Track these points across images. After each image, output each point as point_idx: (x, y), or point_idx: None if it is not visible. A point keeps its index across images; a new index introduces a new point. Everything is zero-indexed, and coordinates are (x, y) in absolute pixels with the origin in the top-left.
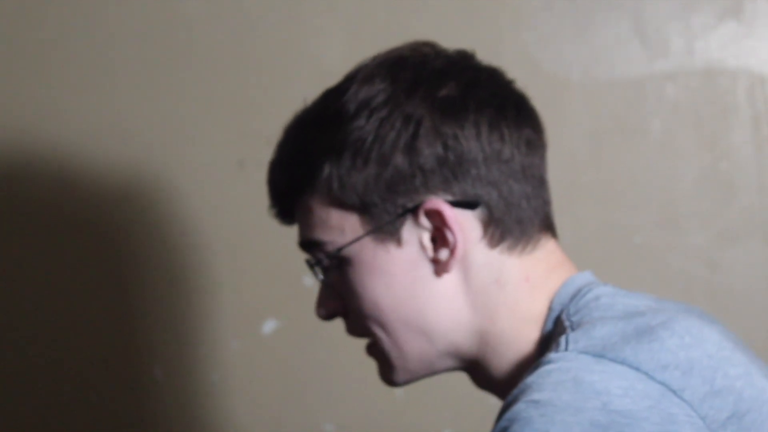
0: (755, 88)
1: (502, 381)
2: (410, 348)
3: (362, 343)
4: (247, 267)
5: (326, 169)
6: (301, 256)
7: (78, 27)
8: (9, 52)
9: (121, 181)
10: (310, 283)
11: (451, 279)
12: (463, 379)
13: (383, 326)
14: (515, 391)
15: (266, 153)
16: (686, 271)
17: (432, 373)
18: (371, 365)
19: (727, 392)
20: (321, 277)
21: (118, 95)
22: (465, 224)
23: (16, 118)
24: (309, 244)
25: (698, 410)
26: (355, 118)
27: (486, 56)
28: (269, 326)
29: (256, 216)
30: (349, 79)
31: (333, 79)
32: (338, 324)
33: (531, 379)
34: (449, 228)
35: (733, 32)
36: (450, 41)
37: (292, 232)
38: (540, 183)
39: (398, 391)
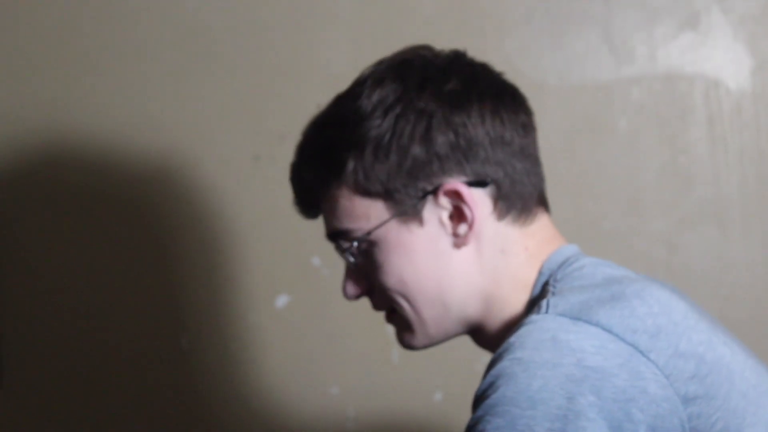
0: (710, 91)
1: (495, 339)
2: (429, 315)
3: (365, 317)
4: (263, 249)
5: (351, 164)
6: (310, 239)
7: (121, 41)
8: (55, 63)
9: (151, 174)
10: (318, 263)
11: (467, 251)
12: (452, 348)
13: (406, 297)
14: (500, 350)
15: (279, 149)
16: (648, 253)
17: (447, 338)
18: (372, 335)
19: (690, 355)
20: (352, 260)
21: (151, 98)
22: (479, 201)
23: (60, 129)
24: (336, 234)
25: (663, 369)
26: (372, 117)
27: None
28: (282, 301)
29: (271, 204)
30: (360, 84)
31: (338, 82)
32: (342, 298)
33: (513, 338)
34: (467, 205)
35: (690, 42)
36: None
37: (302, 219)
38: (535, 161)
39: (395, 358)
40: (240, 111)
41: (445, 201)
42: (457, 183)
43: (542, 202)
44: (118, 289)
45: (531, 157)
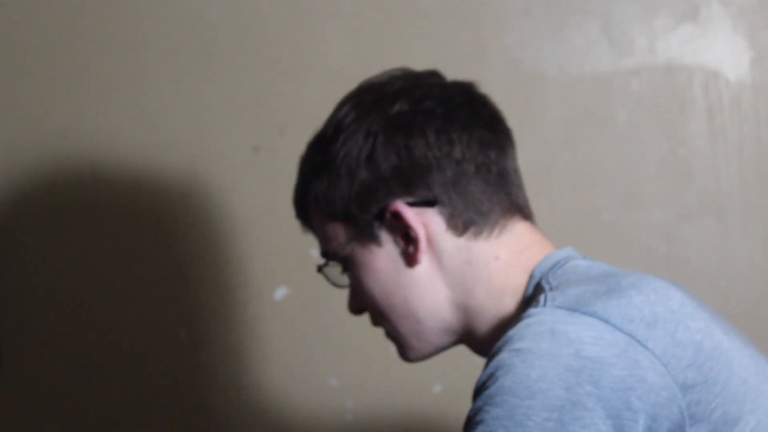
0: (709, 83)
1: (488, 343)
2: (406, 329)
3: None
4: (261, 241)
5: (313, 189)
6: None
7: (120, 35)
8: (52, 62)
9: (150, 167)
10: (317, 255)
11: (424, 267)
12: None
13: (382, 314)
14: (499, 343)
15: (278, 141)
16: (648, 246)
17: (437, 348)
18: (371, 328)
19: (688, 343)
20: (331, 279)
21: (149, 91)
22: (428, 219)
23: (62, 121)
24: (323, 255)
25: (661, 358)
26: (332, 140)
27: (472, 56)
28: (280, 293)
29: (270, 195)
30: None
31: (337, 75)
32: (341, 292)
33: (513, 331)
34: (410, 226)
35: (690, 33)
36: (440, 44)
37: None
38: (499, 176)
39: (394, 350)
40: (239, 103)
41: (392, 222)
42: (398, 204)
43: (514, 212)
44: (117, 282)
45: (490, 173)
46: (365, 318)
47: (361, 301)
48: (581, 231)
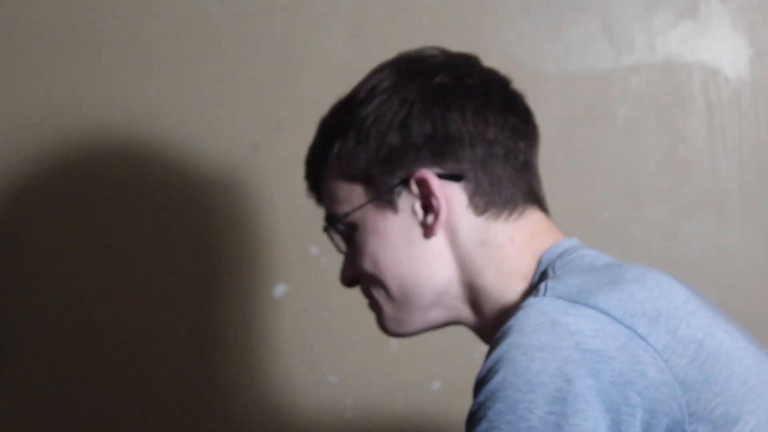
0: (708, 81)
1: (491, 328)
2: (401, 300)
3: (363, 305)
4: (261, 238)
5: (336, 147)
6: (308, 228)
7: (118, 29)
8: (51, 61)
9: (149, 163)
10: (316, 252)
11: (438, 240)
12: (451, 337)
13: (380, 281)
14: (499, 333)
15: (278, 137)
16: (647, 242)
17: (426, 325)
18: (370, 324)
19: (689, 340)
20: (334, 242)
21: (149, 86)
22: (451, 194)
23: (60, 118)
24: (329, 219)
25: (662, 353)
26: (361, 103)
27: (472, 51)
28: (279, 290)
29: (269, 192)
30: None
31: (337, 70)
32: (341, 289)
33: (512, 322)
34: (434, 195)
35: (689, 31)
36: (440, 40)
37: (300, 208)
38: (524, 166)
39: (393, 347)
40: (238, 99)
41: (415, 189)
42: (427, 172)
43: (533, 201)
44: (117, 280)
45: (517, 161)
46: (365, 315)
47: (359, 269)
48: (581, 228)
